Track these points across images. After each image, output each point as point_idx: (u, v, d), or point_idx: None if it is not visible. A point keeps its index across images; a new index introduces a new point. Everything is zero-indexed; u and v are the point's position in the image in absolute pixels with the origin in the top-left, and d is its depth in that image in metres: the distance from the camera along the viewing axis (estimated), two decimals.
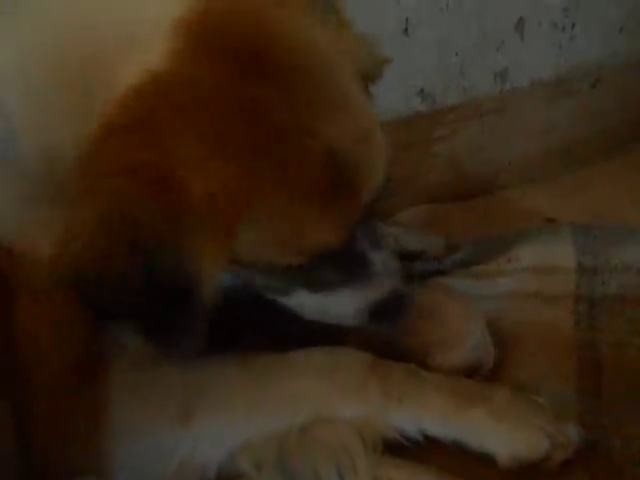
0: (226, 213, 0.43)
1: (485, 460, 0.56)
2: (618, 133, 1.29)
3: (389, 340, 0.65)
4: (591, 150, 1.28)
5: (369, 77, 0.54)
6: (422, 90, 1.05)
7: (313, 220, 0.46)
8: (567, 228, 0.74)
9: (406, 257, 0.79)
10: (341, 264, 0.53)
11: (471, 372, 0.64)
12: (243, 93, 0.43)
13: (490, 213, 1.03)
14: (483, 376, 0.65)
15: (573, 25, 1.14)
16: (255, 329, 0.65)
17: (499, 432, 0.56)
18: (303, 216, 0.46)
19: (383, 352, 0.62)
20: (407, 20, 0.97)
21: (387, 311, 0.57)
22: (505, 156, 1.19)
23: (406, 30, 0.98)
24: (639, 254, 0.68)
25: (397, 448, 0.57)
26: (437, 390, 0.58)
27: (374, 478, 0.55)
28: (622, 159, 1.39)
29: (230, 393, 0.57)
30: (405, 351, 0.64)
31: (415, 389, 0.58)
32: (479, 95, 1.10)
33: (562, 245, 0.72)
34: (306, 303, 0.56)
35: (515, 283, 0.72)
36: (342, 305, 0.56)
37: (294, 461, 0.55)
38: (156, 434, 0.54)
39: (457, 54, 1.05)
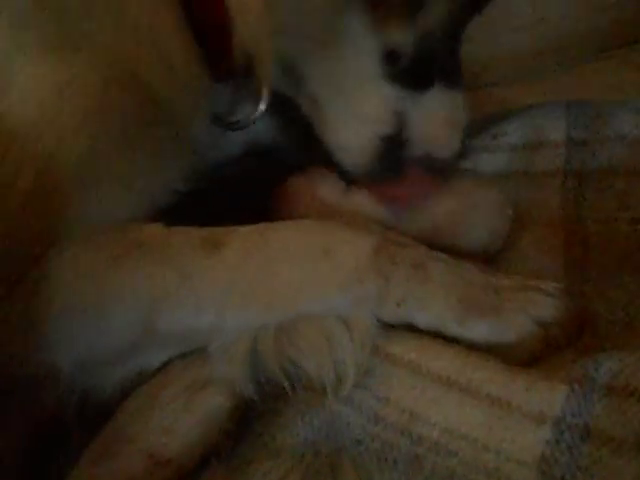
0: None
1: None
2: (616, 30, 1.23)
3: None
4: (587, 48, 1.21)
5: None
6: None
7: None
8: (560, 103, 0.69)
9: None
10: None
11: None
12: None
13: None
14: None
15: None
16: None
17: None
18: None
19: None
20: None
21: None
22: (492, 50, 1.12)
23: None
24: (633, 123, 0.63)
25: None
26: (444, 297, 0.50)
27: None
28: (619, 59, 1.32)
29: (198, 285, 0.49)
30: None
31: (418, 291, 0.50)
32: None
33: (553, 119, 0.67)
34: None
35: (501, 162, 0.68)
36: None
37: (267, 355, 0.49)
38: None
39: None
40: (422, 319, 0.51)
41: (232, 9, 0.48)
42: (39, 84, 0.45)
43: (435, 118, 0.58)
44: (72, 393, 0.48)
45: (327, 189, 0.60)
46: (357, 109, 0.56)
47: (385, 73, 0.55)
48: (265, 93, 0.56)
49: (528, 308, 0.51)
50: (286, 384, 0.50)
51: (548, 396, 0.43)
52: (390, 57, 0.54)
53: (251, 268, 0.49)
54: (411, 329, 0.51)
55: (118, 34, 0.47)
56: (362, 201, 0.59)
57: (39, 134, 0.45)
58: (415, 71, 0.55)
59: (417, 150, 0.59)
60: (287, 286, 0.49)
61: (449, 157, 0.61)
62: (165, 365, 0.51)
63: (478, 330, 0.50)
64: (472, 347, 0.50)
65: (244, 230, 0.51)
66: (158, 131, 0.51)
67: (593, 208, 0.63)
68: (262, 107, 0.57)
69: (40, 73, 0.45)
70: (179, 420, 0.49)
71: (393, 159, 0.59)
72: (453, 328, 0.51)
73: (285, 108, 0.61)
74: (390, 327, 0.51)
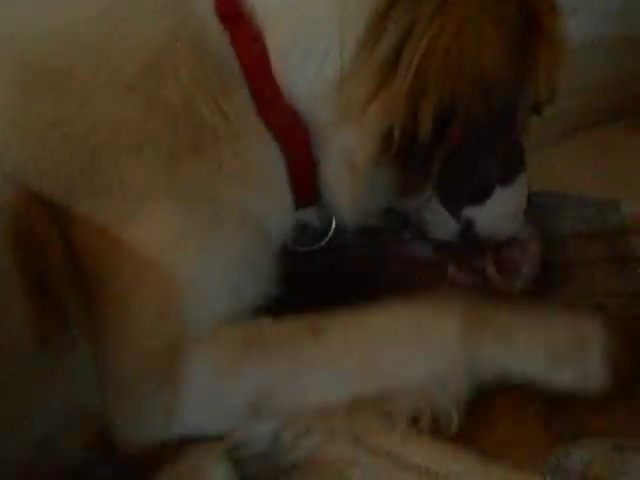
0: None
1: None
2: (569, 118, 1.31)
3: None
4: (550, 131, 1.29)
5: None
6: None
7: None
8: None
9: None
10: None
11: None
12: None
13: None
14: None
15: None
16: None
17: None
18: None
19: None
20: None
21: None
22: None
23: None
24: (570, 219, 0.74)
25: None
26: (529, 352, 0.55)
27: None
28: (579, 141, 1.40)
29: (306, 371, 0.55)
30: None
31: (506, 351, 0.55)
32: None
33: None
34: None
35: None
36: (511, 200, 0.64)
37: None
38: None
39: None
40: (513, 374, 0.54)
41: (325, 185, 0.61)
42: (166, 224, 0.53)
43: (493, 215, 0.66)
44: None
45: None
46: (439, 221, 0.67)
47: None
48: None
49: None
50: None
51: None
52: None
53: (353, 347, 0.55)
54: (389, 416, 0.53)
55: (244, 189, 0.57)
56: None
57: (166, 262, 0.53)
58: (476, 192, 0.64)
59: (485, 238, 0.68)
60: (387, 361, 0.55)
61: (511, 236, 0.70)
62: None
63: (561, 380, 0.54)
64: (450, 438, 0.52)
65: (342, 313, 0.57)
66: (258, 250, 0.60)
67: None
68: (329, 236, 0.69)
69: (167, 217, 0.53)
70: None
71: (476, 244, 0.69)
72: (540, 380, 0.54)
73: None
74: (370, 418, 0.53)
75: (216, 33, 0.55)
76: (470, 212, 0.65)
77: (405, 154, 0.55)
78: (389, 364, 0.55)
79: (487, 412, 0.55)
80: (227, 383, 0.53)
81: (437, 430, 0.53)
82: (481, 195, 0.64)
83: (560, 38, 0.58)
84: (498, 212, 0.65)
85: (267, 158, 0.58)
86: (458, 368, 0.54)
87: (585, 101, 1.34)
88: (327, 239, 0.69)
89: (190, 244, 0.54)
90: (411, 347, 0.55)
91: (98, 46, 0.53)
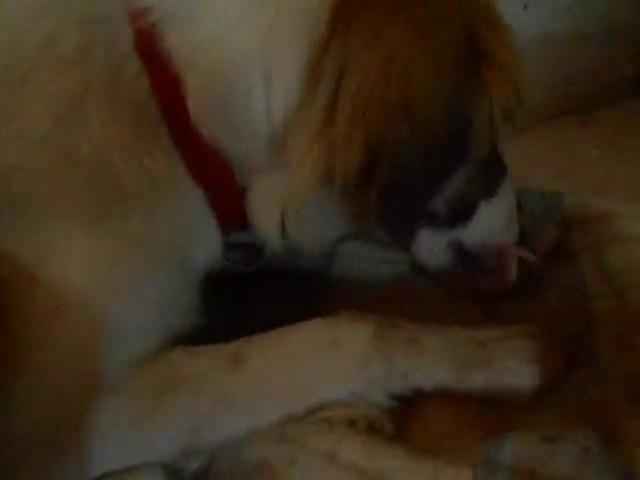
0: None
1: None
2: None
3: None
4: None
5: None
6: None
7: None
8: None
9: None
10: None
11: None
12: None
13: None
14: None
15: None
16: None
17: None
18: None
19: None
20: None
21: None
22: None
23: None
24: None
25: None
26: (439, 362, 0.56)
27: None
28: (533, 135, 1.42)
29: (231, 403, 0.54)
30: None
31: (417, 363, 0.56)
32: None
33: None
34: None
35: None
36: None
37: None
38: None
39: None
40: (427, 385, 0.56)
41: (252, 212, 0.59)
42: (85, 264, 0.52)
43: (482, 230, 0.65)
44: None
45: None
46: (426, 247, 0.66)
47: (430, 225, 0.62)
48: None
49: (515, 352, 0.57)
50: None
51: None
52: (430, 217, 0.61)
53: (275, 371, 0.56)
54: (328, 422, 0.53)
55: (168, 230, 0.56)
56: None
57: (83, 304, 0.51)
58: (453, 217, 0.63)
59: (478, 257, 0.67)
60: (309, 381, 0.56)
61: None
62: None
63: (477, 383, 0.56)
64: (387, 437, 0.52)
65: (262, 338, 0.57)
66: (183, 284, 0.59)
67: None
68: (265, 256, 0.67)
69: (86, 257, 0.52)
70: None
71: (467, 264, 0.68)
72: (456, 386, 0.56)
73: None
74: (306, 419, 0.53)
75: (134, 76, 0.52)
76: (457, 234, 0.64)
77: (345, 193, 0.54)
78: (310, 384, 0.55)
79: (423, 407, 0.55)
80: (147, 433, 0.52)
81: (374, 431, 0.53)
82: (462, 217, 0.63)
83: (508, 51, 0.56)
84: (488, 225, 0.65)
85: (192, 202, 0.57)
86: (375, 382, 0.55)
87: (537, 96, 1.36)
88: (260, 260, 0.67)
89: (110, 285, 0.52)
90: (330, 365, 0.55)
91: (11, 97, 0.51)
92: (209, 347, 0.56)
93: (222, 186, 0.58)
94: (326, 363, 0.55)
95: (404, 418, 0.55)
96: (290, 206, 0.56)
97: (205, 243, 0.61)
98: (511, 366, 0.56)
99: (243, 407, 0.54)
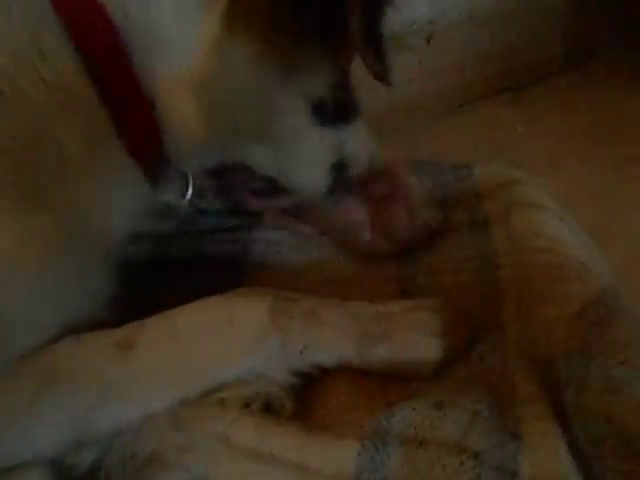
0: None
1: None
2: (457, 92, 1.34)
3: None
4: (437, 106, 1.31)
5: None
6: None
7: None
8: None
9: None
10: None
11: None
12: None
13: None
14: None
15: None
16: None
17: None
18: None
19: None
20: None
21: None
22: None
23: None
24: (427, 186, 0.72)
25: None
26: (339, 336, 0.55)
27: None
28: (463, 115, 1.44)
29: (121, 389, 0.52)
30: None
31: (316, 337, 0.55)
32: None
33: None
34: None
35: None
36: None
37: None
38: None
39: None
40: (327, 360, 0.55)
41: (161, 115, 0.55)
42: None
43: (364, 137, 0.69)
44: None
45: None
46: (306, 158, 0.66)
47: (316, 122, 0.63)
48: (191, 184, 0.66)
49: (416, 326, 0.57)
50: None
51: (341, 455, 0.44)
52: (317, 109, 0.62)
53: (166, 356, 0.54)
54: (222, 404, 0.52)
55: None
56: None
57: None
58: (337, 113, 0.64)
59: (360, 167, 0.69)
60: (202, 363, 0.54)
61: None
62: None
63: (378, 357, 0.55)
64: (283, 416, 0.51)
65: (152, 321, 0.55)
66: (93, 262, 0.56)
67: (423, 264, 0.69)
68: (189, 196, 0.67)
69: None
70: None
71: (345, 180, 0.69)
72: (356, 361, 0.55)
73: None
74: (201, 402, 0.52)
75: None
76: (336, 139, 0.65)
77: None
78: (204, 365, 0.54)
79: (324, 382, 0.54)
80: (24, 429, 0.50)
81: (272, 410, 0.52)
82: (344, 115, 0.64)
83: None
84: (361, 142, 0.67)
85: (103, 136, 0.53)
86: (274, 359, 0.54)
87: (469, 75, 1.37)
88: (188, 198, 0.68)
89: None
90: (224, 344, 0.54)
91: None
92: (98, 334, 0.54)
93: (132, 101, 0.54)
94: (220, 342, 0.54)
95: (306, 394, 0.53)
96: (200, 83, 0.54)
97: (125, 200, 0.58)
98: (413, 339, 0.56)
99: (133, 395, 0.52)
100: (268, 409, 0.52)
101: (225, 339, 0.54)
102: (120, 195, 0.58)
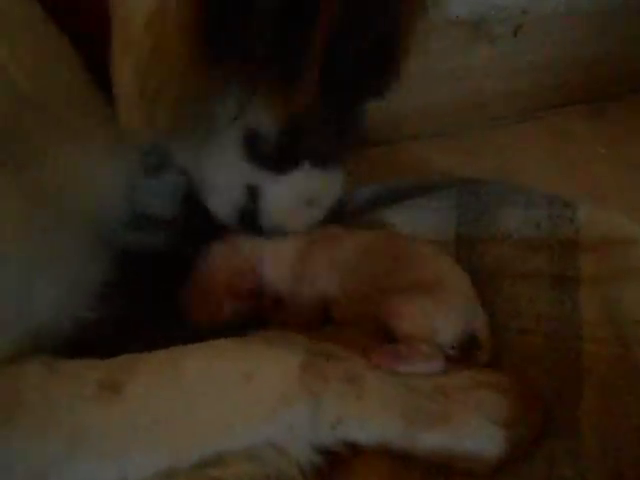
0: None
1: None
2: (532, 96, 1.21)
3: None
4: (508, 108, 1.19)
5: None
6: None
7: None
8: (451, 189, 0.63)
9: None
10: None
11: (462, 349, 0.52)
12: None
13: (379, 165, 0.92)
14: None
15: None
16: None
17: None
18: None
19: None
20: None
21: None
22: (411, 102, 1.07)
23: None
24: (515, 219, 0.58)
25: None
26: (384, 411, 0.45)
27: None
28: (536, 122, 1.32)
29: (95, 443, 0.42)
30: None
31: (355, 408, 0.45)
32: None
33: (442, 213, 0.60)
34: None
35: None
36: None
37: None
38: None
39: None
40: (364, 439, 0.45)
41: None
42: None
43: (290, 196, 0.55)
44: None
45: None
46: (215, 181, 0.55)
47: (245, 153, 0.51)
48: None
49: (482, 408, 0.46)
50: None
51: None
52: (249, 139, 0.50)
53: (160, 407, 0.43)
54: None
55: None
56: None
57: None
58: (275, 154, 0.51)
59: (269, 222, 0.57)
60: (205, 422, 0.43)
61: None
62: None
63: (428, 442, 0.45)
64: None
65: (150, 359, 0.45)
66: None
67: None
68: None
69: None
70: None
71: (253, 226, 0.57)
72: (400, 443, 0.45)
73: None
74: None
75: None
76: (258, 180, 0.52)
77: None
78: (208, 426, 0.43)
79: (355, 466, 0.44)
80: None
81: None
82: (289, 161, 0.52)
83: None
84: (291, 193, 0.54)
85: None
86: (297, 430, 0.43)
87: (549, 80, 1.23)
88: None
89: None
90: (237, 403, 0.43)
91: None
92: (78, 364, 0.43)
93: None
94: (231, 400, 0.43)
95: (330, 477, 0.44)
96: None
97: (110, 166, 0.48)
98: (475, 425, 0.46)
99: (108, 452, 0.41)
100: None
101: (240, 397, 0.44)
102: (100, 157, 0.47)
